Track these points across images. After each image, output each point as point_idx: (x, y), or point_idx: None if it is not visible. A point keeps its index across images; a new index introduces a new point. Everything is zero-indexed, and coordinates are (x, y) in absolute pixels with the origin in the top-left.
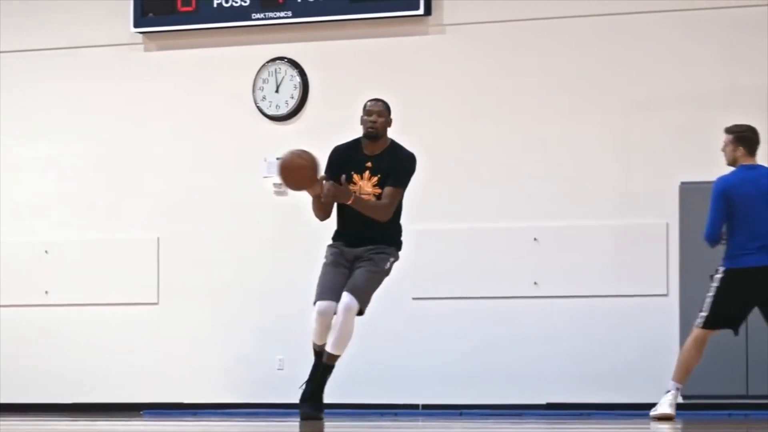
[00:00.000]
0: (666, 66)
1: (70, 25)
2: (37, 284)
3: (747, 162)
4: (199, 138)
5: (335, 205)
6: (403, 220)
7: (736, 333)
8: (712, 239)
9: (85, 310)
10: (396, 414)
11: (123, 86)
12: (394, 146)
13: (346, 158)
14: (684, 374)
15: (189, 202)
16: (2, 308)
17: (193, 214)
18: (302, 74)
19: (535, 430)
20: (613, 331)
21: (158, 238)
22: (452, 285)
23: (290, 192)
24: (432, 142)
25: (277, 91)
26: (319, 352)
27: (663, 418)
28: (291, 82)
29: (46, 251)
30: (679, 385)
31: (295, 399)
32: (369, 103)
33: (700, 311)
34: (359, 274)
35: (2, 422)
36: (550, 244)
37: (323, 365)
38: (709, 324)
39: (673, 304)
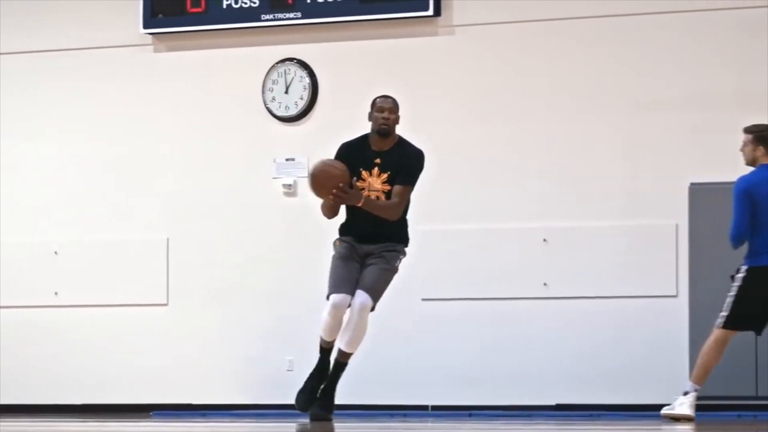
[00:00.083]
0: (675, 67)
1: (79, 26)
2: (47, 285)
3: (766, 161)
4: (209, 139)
5: None
6: (412, 221)
7: (759, 333)
8: (739, 239)
9: (94, 311)
10: (405, 415)
11: (132, 87)
12: (402, 142)
13: (354, 155)
14: (703, 376)
15: (198, 203)
16: (12, 309)
17: (203, 214)
18: (311, 75)
19: (544, 431)
20: (622, 332)
21: (167, 239)
22: (461, 286)
23: (299, 193)
24: (441, 143)
25: (286, 92)
26: (326, 349)
27: (683, 419)
28: (300, 83)
29: (55, 252)
30: (698, 387)
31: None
32: (379, 99)
33: (721, 311)
34: (372, 271)
35: (12, 423)
36: (559, 245)
37: (336, 363)
38: (731, 324)
39: (682, 305)
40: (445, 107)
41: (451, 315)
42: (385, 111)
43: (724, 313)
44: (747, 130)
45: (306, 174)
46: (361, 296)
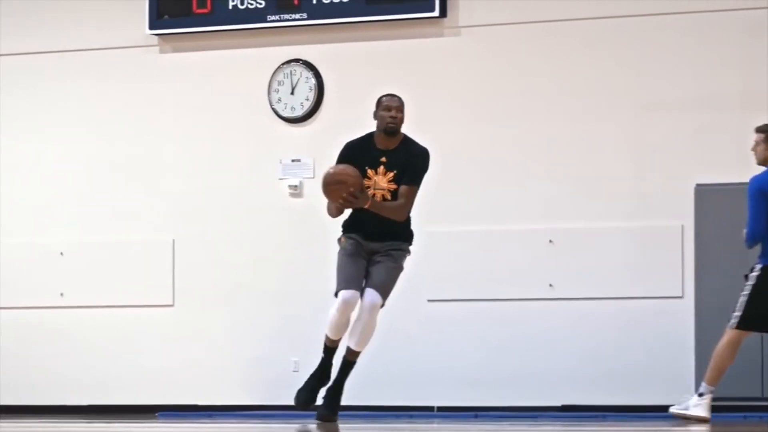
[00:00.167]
0: (680, 68)
1: (86, 27)
2: (53, 286)
3: None
4: (215, 140)
5: None
6: (418, 222)
7: None
8: (754, 239)
9: (100, 312)
10: (411, 416)
11: (138, 88)
12: (407, 141)
13: (359, 153)
14: (717, 376)
15: (204, 204)
16: (18, 310)
17: (209, 215)
18: (317, 76)
19: None
20: (628, 333)
21: (173, 240)
22: (467, 287)
23: (305, 194)
24: (446, 144)
25: (292, 93)
26: (331, 348)
27: (698, 420)
28: (306, 84)
29: (61, 253)
30: (713, 388)
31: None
32: (386, 98)
33: (734, 311)
34: (381, 270)
35: (18, 424)
36: (565, 246)
37: (345, 362)
38: (744, 324)
39: (688, 306)
40: (451, 108)
41: (456, 316)
42: (392, 110)
43: (738, 314)
44: (759, 130)
45: (312, 175)
46: (372, 295)
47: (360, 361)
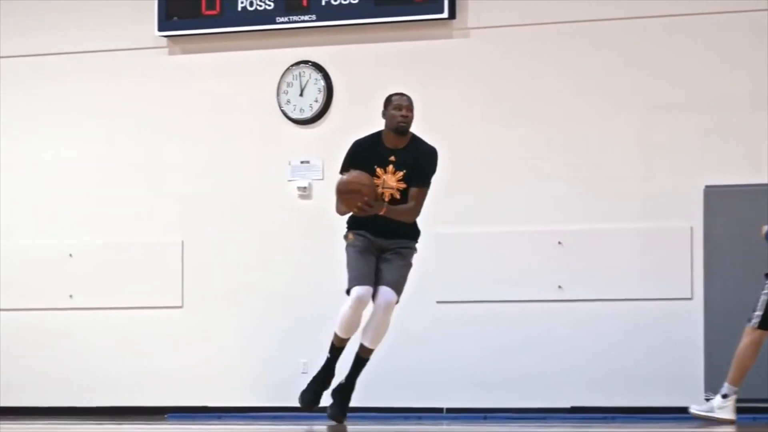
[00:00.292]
0: (689, 69)
1: (94, 28)
2: (62, 288)
3: None
4: (223, 141)
5: None
6: (426, 223)
7: None
8: None
9: (109, 314)
10: (420, 418)
11: (147, 90)
12: (416, 140)
13: (368, 152)
14: (740, 377)
15: (213, 206)
16: (26, 312)
17: (218, 217)
18: (326, 78)
19: None
20: (637, 334)
21: (182, 242)
22: (476, 288)
23: (314, 195)
24: (456, 145)
25: (301, 95)
26: (338, 348)
27: (726, 423)
28: (315, 85)
29: (70, 255)
30: (736, 389)
31: (322, 402)
32: (396, 97)
33: (754, 310)
34: (393, 268)
35: (27, 426)
36: (574, 247)
37: (359, 359)
38: (766, 324)
39: (697, 307)
40: (460, 109)
41: (465, 317)
42: (402, 109)
43: (759, 313)
44: None
45: (320, 176)
46: (388, 293)
47: (369, 362)
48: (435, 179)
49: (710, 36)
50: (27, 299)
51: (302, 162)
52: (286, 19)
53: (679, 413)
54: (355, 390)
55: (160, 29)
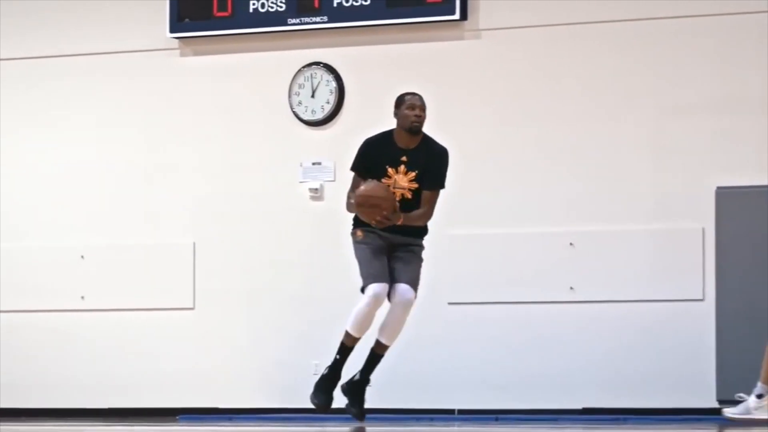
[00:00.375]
0: (702, 70)
1: (105, 30)
2: (73, 289)
3: None
4: (235, 143)
5: None
6: (439, 225)
7: None
8: None
9: (121, 315)
10: (432, 419)
11: (159, 91)
12: (427, 140)
13: (380, 151)
14: None
15: (225, 207)
16: (38, 313)
17: (229, 218)
18: (338, 79)
19: None
20: (648, 335)
21: (194, 243)
22: (488, 290)
23: (326, 197)
24: (468, 147)
25: (312, 96)
26: (349, 348)
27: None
28: (327, 87)
29: (82, 256)
30: None
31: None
32: (408, 96)
33: None
34: (409, 266)
35: (39, 427)
36: (586, 248)
37: (375, 355)
38: None
39: (709, 308)
40: (472, 111)
41: (477, 319)
42: (416, 108)
43: None
44: None
45: (332, 178)
46: (408, 291)
47: (380, 364)
48: (447, 180)
49: (722, 37)
50: (39, 301)
51: (314, 163)
52: (297, 20)
53: (691, 414)
54: (367, 392)
55: (172, 31)
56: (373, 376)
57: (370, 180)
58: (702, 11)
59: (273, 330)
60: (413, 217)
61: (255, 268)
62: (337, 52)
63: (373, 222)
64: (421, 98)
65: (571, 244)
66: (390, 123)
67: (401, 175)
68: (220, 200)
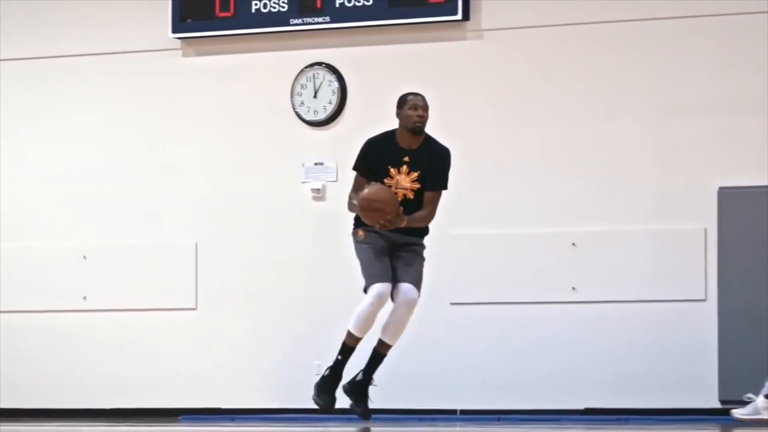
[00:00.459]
0: (704, 70)
1: (107, 30)
2: (76, 290)
3: None
4: (237, 143)
5: None
6: (441, 225)
7: None
8: None
9: (123, 316)
10: (434, 419)
11: (161, 92)
12: (430, 140)
13: (382, 151)
14: None
15: (227, 208)
16: (40, 313)
17: (232, 219)
18: (340, 79)
19: None
20: (651, 336)
21: (196, 244)
22: (490, 290)
23: (328, 197)
24: (470, 147)
25: (315, 97)
26: (352, 348)
27: None
28: (329, 87)
29: (84, 257)
30: None
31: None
32: (411, 96)
33: None
34: (412, 266)
35: (41, 427)
36: (588, 248)
37: (378, 355)
38: None
39: (711, 309)
40: (474, 111)
41: (479, 319)
42: (419, 108)
43: None
44: None
45: (334, 178)
46: (412, 291)
47: (382, 364)
48: (449, 180)
49: (724, 38)
50: (41, 301)
51: (316, 164)
52: (299, 20)
53: (693, 415)
54: (371, 391)
55: (174, 31)
56: (375, 376)
57: (373, 183)
58: (704, 12)
59: (275, 330)
60: (416, 219)
61: (257, 269)
62: (339, 53)
63: (377, 226)
64: (423, 98)
65: (573, 244)
66: (392, 123)
67: (403, 176)
68: (222, 200)
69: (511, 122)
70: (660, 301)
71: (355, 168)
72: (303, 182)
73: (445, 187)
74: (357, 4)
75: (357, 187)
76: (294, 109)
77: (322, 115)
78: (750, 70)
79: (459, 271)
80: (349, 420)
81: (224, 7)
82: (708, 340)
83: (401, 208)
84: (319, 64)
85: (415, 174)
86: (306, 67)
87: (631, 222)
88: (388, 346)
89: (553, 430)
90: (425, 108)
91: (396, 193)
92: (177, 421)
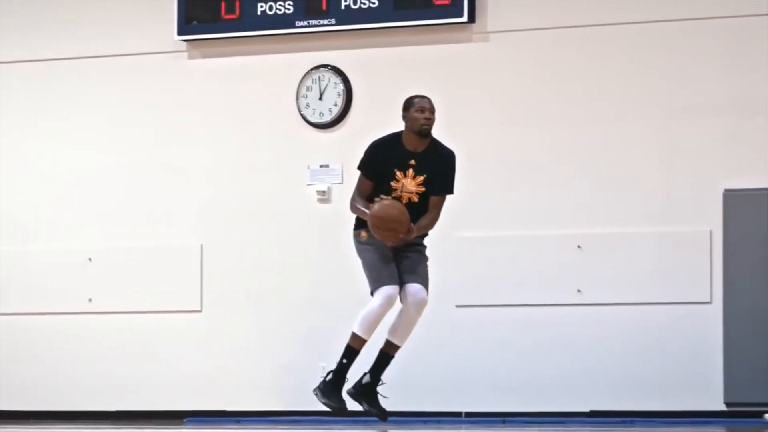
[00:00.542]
0: (711, 72)
1: (114, 32)
2: (81, 292)
3: None
4: (243, 146)
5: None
6: (447, 227)
7: None
8: None
9: (128, 318)
10: (439, 421)
11: (167, 94)
12: (435, 143)
13: (388, 154)
14: None
15: (232, 210)
16: (46, 315)
17: (237, 221)
18: (346, 82)
19: None
20: (656, 338)
21: (201, 245)
22: (495, 292)
23: (333, 199)
24: (476, 149)
25: (320, 99)
26: (357, 351)
27: None
28: (334, 89)
29: (89, 259)
30: None
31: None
32: (417, 99)
33: None
34: (419, 267)
35: (46, 430)
36: (593, 251)
37: (386, 356)
38: None
39: (716, 311)
40: (480, 113)
41: (484, 321)
42: (425, 111)
43: None
44: None
45: (340, 180)
46: (421, 292)
47: (388, 367)
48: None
49: (730, 40)
50: (46, 303)
51: (321, 166)
52: (305, 23)
53: (699, 417)
54: (380, 390)
55: (180, 33)
56: (382, 377)
57: (382, 198)
58: (710, 14)
59: (280, 332)
60: (423, 227)
61: (262, 271)
62: (344, 55)
63: (390, 244)
64: (430, 101)
65: (578, 246)
66: (398, 125)
67: (409, 179)
68: (228, 203)
69: (517, 124)
70: (665, 304)
71: (360, 167)
72: (308, 184)
73: (451, 192)
74: (363, 6)
75: (360, 189)
76: (299, 111)
77: (327, 118)
78: (756, 72)
79: (464, 273)
80: (354, 422)
81: (230, 9)
82: (713, 343)
83: (412, 225)
84: (325, 66)
85: (421, 178)
86: (311, 69)
87: (637, 224)
88: (397, 347)
89: None
90: (432, 110)
91: (401, 196)
92: (182, 423)
